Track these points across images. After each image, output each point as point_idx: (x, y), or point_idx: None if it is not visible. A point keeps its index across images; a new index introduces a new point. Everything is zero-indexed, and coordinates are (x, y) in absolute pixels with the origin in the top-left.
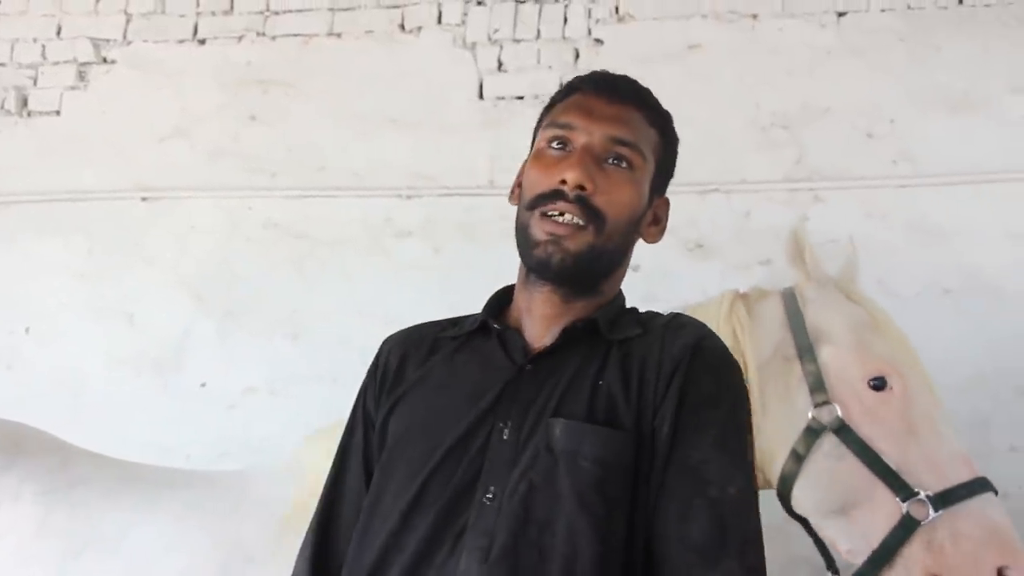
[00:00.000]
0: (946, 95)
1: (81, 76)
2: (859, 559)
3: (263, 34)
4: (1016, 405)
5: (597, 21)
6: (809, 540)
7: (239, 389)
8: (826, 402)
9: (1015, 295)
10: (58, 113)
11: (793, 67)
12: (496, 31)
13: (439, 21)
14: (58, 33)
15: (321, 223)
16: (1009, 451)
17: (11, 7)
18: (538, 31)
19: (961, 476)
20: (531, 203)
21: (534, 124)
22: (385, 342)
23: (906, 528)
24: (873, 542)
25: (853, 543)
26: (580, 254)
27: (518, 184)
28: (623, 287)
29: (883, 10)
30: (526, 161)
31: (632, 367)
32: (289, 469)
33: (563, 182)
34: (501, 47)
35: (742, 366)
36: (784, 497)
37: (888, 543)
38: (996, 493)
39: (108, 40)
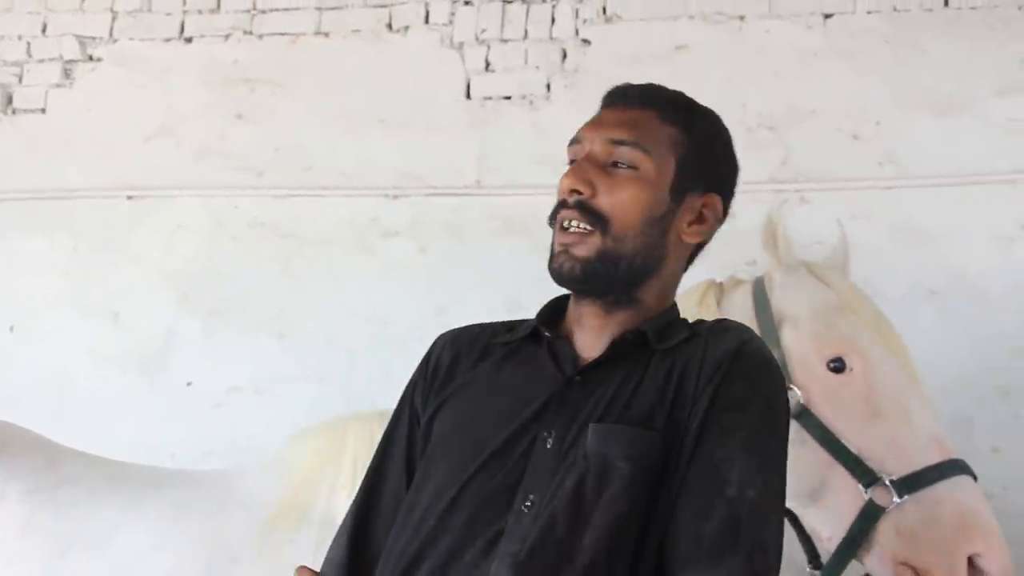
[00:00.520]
0: (932, 97)
1: (67, 74)
2: (823, 548)
3: (250, 33)
4: (999, 406)
5: (584, 21)
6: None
7: (225, 388)
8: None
9: (1000, 296)
10: (43, 111)
11: (779, 68)
12: (483, 31)
13: (426, 21)
14: (43, 30)
15: (308, 222)
16: (992, 452)
17: None
18: (525, 31)
19: (929, 459)
20: (550, 219)
21: (521, 124)
22: (439, 339)
23: (869, 515)
24: (839, 530)
25: (832, 530)
26: (588, 260)
27: None
28: None
29: (869, 12)
30: None
31: (673, 370)
32: (275, 468)
33: (564, 192)
34: (488, 47)
35: None
36: None
37: (852, 531)
38: (975, 477)
39: (94, 38)
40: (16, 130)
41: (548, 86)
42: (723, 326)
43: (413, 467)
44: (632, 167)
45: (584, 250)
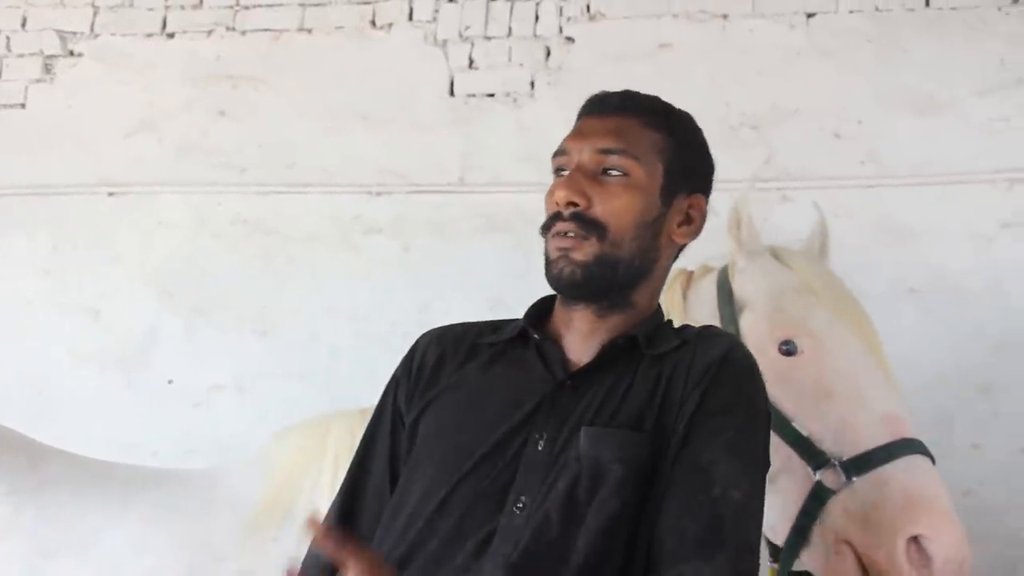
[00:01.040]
0: (913, 97)
1: (47, 69)
2: (778, 538)
3: (233, 29)
4: (979, 403)
5: (568, 19)
6: None
7: (206, 386)
8: None
9: (979, 294)
10: (23, 106)
11: (763, 67)
12: (467, 28)
13: (410, 18)
14: (23, 25)
15: (290, 219)
16: (971, 448)
17: None
18: (509, 28)
19: (878, 439)
20: (542, 229)
21: (505, 121)
22: (422, 338)
23: (818, 498)
24: (792, 515)
25: (783, 513)
26: (588, 264)
27: None
28: None
29: (851, 11)
30: None
31: (662, 374)
32: (258, 466)
33: (558, 204)
34: (472, 44)
35: None
36: None
37: (801, 514)
38: (931, 457)
39: (75, 33)
40: None
41: (532, 84)
42: (711, 332)
43: (396, 466)
44: (624, 174)
45: (583, 254)
